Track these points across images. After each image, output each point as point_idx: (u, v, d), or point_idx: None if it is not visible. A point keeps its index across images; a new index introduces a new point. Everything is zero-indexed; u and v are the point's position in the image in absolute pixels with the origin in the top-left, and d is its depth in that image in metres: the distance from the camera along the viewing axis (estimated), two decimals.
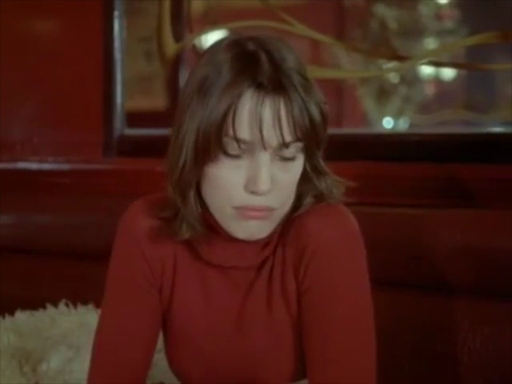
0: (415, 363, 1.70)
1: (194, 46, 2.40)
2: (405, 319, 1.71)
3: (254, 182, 1.18)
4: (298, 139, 1.18)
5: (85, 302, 2.11)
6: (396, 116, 4.49)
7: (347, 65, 3.90)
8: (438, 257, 1.67)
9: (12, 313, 2.13)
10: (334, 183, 1.28)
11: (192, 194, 1.24)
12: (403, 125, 4.48)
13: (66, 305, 2.12)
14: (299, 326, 1.27)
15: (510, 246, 1.61)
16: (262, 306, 1.29)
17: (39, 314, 2.11)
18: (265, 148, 1.17)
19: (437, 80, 4.62)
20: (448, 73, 4.54)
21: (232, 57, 1.18)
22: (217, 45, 1.23)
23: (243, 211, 1.20)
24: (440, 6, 4.47)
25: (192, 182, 1.22)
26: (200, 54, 1.27)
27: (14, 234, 2.37)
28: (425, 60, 2.28)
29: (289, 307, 1.28)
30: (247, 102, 1.16)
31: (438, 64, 2.42)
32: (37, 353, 1.88)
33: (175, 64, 2.36)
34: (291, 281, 1.27)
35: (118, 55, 2.42)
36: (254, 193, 1.18)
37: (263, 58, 1.18)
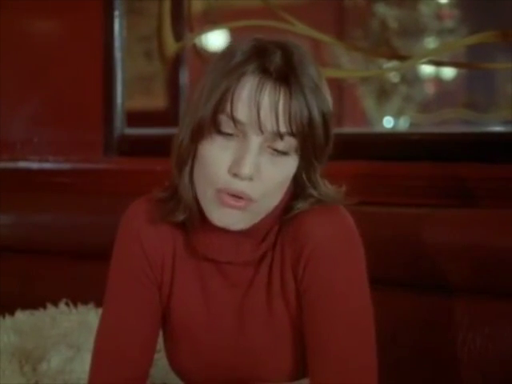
0: (415, 363, 1.70)
1: (194, 46, 2.40)
2: (405, 319, 1.71)
3: (238, 164, 1.19)
4: (292, 134, 1.19)
5: (85, 302, 2.10)
6: (396, 115, 4.50)
7: (347, 64, 3.90)
8: (437, 257, 1.67)
9: (12, 312, 2.12)
10: (330, 191, 1.29)
11: (187, 171, 1.25)
12: (403, 124, 4.48)
13: (67, 304, 2.12)
14: (299, 324, 1.28)
15: (510, 246, 1.61)
16: (262, 303, 1.29)
17: (39, 313, 2.11)
18: (261, 131, 1.18)
19: (437, 79, 4.62)
20: (448, 72, 4.54)
21: (249, 46, 1.21)
22: (227, 47, 1.26)
23: (222, 196, 1.21)
24: (440, 6, 4.47)
25: (187, 159, 1.24)
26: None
27: (13, 234, 2.37)
28: (425, 59, 2.28)
29: (288, 305, 1.28)
30: (248, 84, 1.19)
31: (438, 63, 2.42)
32: (37, 352, 1.88)
33: (175, 64, 2.36)
34: (290, 280, 1.27)
35: (118, 55, 2.42)
36: (236, 175, 1.19)
37: (278, 52, 1.20)
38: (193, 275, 1.32)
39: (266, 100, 1.18)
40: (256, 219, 1.24)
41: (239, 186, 1.19)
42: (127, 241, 1.32)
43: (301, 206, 1.27)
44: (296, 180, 1.26)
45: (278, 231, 1.28)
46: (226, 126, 1.19)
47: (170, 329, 1.35)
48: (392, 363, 1.67)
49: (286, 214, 1.27)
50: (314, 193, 1.27)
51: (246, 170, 1.18)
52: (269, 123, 1.18)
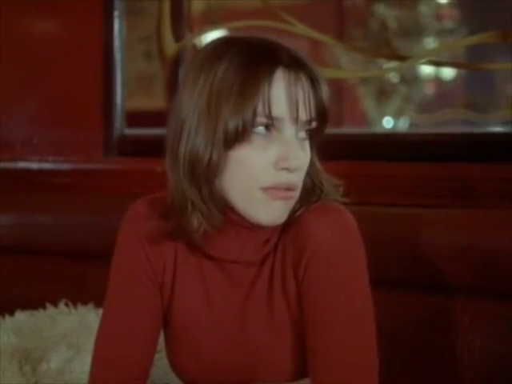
0: (415, 363, 1.70)
1: (194, 46, 2.40)
2: (404, 319, 1.71)
3: (287, 158, 1.20)
4: (314, 119, 1.23)
5: (85, 302, 2.10)
6: (396, 116, 4.50)
7: (347, 64, 3.90)
8: (437, 257, 1.67)
9: (12, 313, 2.12)
10: (328, 181, 1.30)
11: (218, 181, 1.23)
12: (403, 124, 4.48)
13: (66, 305, 2.12)
14: (299, 324, 1.27)
15: (510, 246, 1.61)
16: (263, 304, 1.29)
17: (39, 313, 2.11)
18: (296, 123, 1.20)
19: (437, 80, 4.62)
20: (448, 72, 4.54)
21: (254, 41, 1.22)
22: (215, 43, 1.25)
23: (272, 191, 1.21)
24: (440, 6, 4.48)
25: (219, 170, 1.22)
26: (194, 58, 1.28)
27: (13, 234, 2.37)
28: (425, 60, 2.28)
29: (289, 306, 1.28)
30: (279, 79, 1.19)
31: (437, 64, 2.42)
32: (37, 352, 1.88)
33: (175, 64, 2.36)
34: (291, 280, 1.27)
35: (117, 55, 2.42)
36: (285, 169, 1.20)
37: (283, 46, 1.22)
38: (194, 275, 1.32)
39: (300, 92, 1.20)
40: (290, 210, 1.25)
41: (289, 178, 1.21)
42: (128, 242, 1.32)
43: (301, 205, 1.27)
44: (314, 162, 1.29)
45: (281, 231, 1.28)
46: (262, 124, 1.20)
47: (172, 329, 1.35)
48: (392, 363, 1.67)
49: (289, 214, 1.27)
50: (315, 179, 1.28)
51: (296, 162, 1.20)
52: (304, 114, 1.21)
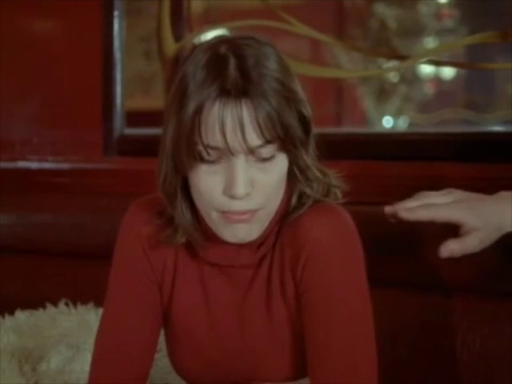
0: (415, 363, 1.70)
1: (193, 46, 2.40)
2: (404, 319, 1.71)
3: (230, 187, 1.18)
4: (267, 142, 1.17)
5: (85, 302, 2.10)
6: (396, 115, 4.50)
7: (347, 64, 3.90)
8: (437, 256, 1.67)
9: (12, 312, 2.12)
10: (325, 181, 1.28)
11: (179, 200, 1.25)
12: (403, 124, 4.48)
13: (66, 304, 2.12)
14: (298, 324, 1.28)
15: (510, 246, 1.61)
16: (262, 304, 1.30)
17: (39, 313, 2.11)
18: (232, 154, 1.17)
19: (436, 79, 4.62)
20: (448, 72, 4.54)
21: (202, 63, 1.19)
22: (195, 49, 1.24)
23: (226, 215, 1.20)
24: (440, 6, 4.47)
25: (176, 190, 1.24)
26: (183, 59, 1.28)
27: (13, 234, 2.36)
28: (424, 59, 2.28)
29: (288, 306, 1.29)
30: (212, 109, 1.16)
31: (437, 63, 2.42)
32: (37, 352, 1.88)
33: (175, 64, 2.36)
34: (289, 280, 1.27)
35: (117, 55, 2.42)
36: (232, 197, 1.18)
37: (232, 63, 1.17)
38: (194, 276, 1.32)
39: (229, 122, 1.16)
40: (265, 225, 1.24)
41: (239, 205, 1.19)
42: (128, 241, 1.33)
43: (299, 206, 1.27)
44: (290, 176, 1.26)
45: (278, 232, 1.28)
46: (205, 154, 1.18)
47: (171, 329, 1.35)
48: (392, 363, 1.67)
49: (285, 216, 1.27)
50: (305, 183, 1.26)
51: (240, 190, 1.17)
52: (236, 144, 1.16)
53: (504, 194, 1.41)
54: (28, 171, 2.52)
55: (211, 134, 1.16)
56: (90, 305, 2.09)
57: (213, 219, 1.22)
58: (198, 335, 1.33)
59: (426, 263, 1.69)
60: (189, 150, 1.18)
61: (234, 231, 1.22)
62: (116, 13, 2.40)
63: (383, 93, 4.47)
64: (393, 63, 2.30)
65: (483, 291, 1.65)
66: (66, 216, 2.30)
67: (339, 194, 1.29)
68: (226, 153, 1.17)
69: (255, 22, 2.16)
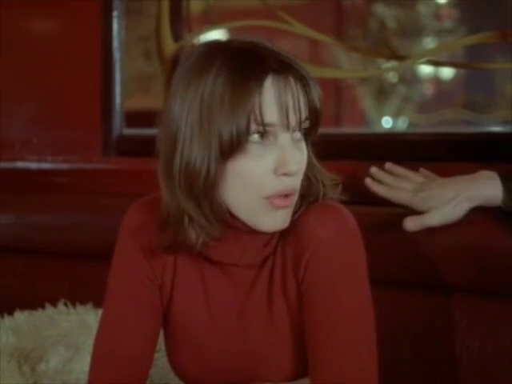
0: (414, 362, 1.70)
1: (192, 46, 2.40)
2: (403, 318, 1.71)
3: (284, 164, 1.20)
4: (306, 118, 1.23)
5: (84, 302, 2.10)
6: (395, 115, 4.49)
7: (346, 64, 3.90)
8: (437, 256, 1.67)
9: (11, 312, 2.12)
10: (327, 179, 1.30)
11: (217, 193, 1.22)
12: (402, 124, 4.48)
13: (65, 304, 2.12)
14: (299, 324, 1.28)
15: (510, 246, 1.61)
16: (263, 304, 1.29)
17: (38, 313, 2.11)
18: (288, 128, 1.20)
19: (436, 79, 4.62)
20: (447, 72, 4.54)
21: (240, 46, 1.21)
22: (200, 51, 1.24)
23: (272, 201, 1.21)
24: (439, 6, 4.47)
25: (217, 183, 1.21)
26: (182, 61, 1.28)
27: (12, 234, 2.36)
28: (424, 59, 2.28)
29: (289, 306, 1.28)
30: (270, 86, 1.19)
31: (437, 63, 2.42)
32: (36, 352, 1.88)
33: (174, 64, 2.36)
34: (291, 280, 1.27)
35: (116, 55, 2.42)
36: (285, 174, 1.20)
37: (270, 49, 1.21)
38: (195, 275, 1.32)
39: (289, 97, 1.19)
40: (292, 212, 1.26)
41: (289, 182, 1.21)
42: (128, 243, 1.33)
43: (301, 205, 1.27)
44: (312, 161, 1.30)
45: (281, 232, 1.28)
46: (256, 132, 1.19)
47: (171, 329, 1.35)
48: (392, 363, 1.67)
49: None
50: (311, 187, 1.28)
51: (294, 166, 1.20)
52: (295, 116, 1.20)
53: (483, 172, 1.62)
54: (27, 171, 2.52)
55: (271, 111, 1.19)
56: (89, 305, 2.09)
57: (254, 208, 1.22)
58: (198, 335, 1.32)
59: (425, 263, 1.69)
60: (247, 128, 1.18)
61: (275, 218, 1.23)
62: (115, 13, 2.40)
63: (382, 93, 4.47)
64: (392, 63, 2.30)
65: (483, 291, 1.65)
66: (65, 216, 2.30)
67: (339, 192, 1.30)
68: (276, 132, 1.19)
69: (255, 22, 2.16)
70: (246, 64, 1.19)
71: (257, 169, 1.20)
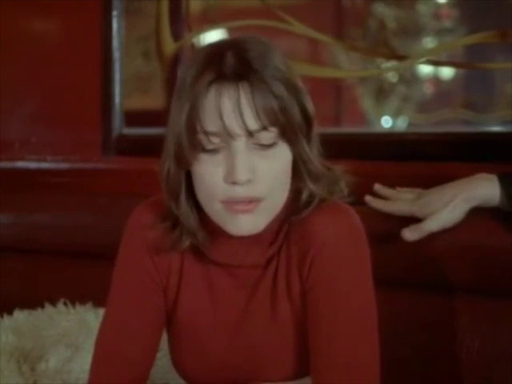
0: (414, 362, 1.70)
1: (192, 46, 2.40)
2: (404, 318, 1.71)
3: (232, 173, 1.18)
4: (265, 127, 1.18)
5: (83, 302, 2.10)
6: (395, 115, 4.49)
7: (346, 64, 3.89)
8: (437, 256, 1.67)
9: (10, 312, 2.12)
10: (330, 175, 1.28)
11: (183, 198, 1.25)
12: (402, 124, 4.48)
13: (65, 304, 2.12)
14: (303, 324, 1.28)
15: (510, 246, 1.61)
16: (267, 304, 1.30)
17: (38, 313, 2.11)
18: (232, 137, 1.17)
19: (436, 79, 4.61)
20: (447, 72, 4.53)
21: (201, 57, 1.21)
22: (197, 50, 1.26)
23: (229, 205, 1.20)
24: (439, 5, 4.46)
25: (180, 186, 1.24)
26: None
27: (11, 233, 2.36)
28: (423, 59, 2.28)
29: (293, 306, 1.29)
30: (208, 94, 1.18)
31: (436, 63, 2.42)
32: (35, 352, 1.88)
33: (174, 63, 2.36)
34: (296, 280, 1.28)
35: (116, 54, 2.42)
36: (233, 183, 1.18)
37: (229, 53, 1.19)
38: (200, 278, 1.32)
39: (226, 105, 1.17)
40: (269, 218, 1.24)
41: (241, 191, 1.19)
42: (133, 244, 1.32)
43: (307, 205, 1.26)
44: (295, 171, 1.26)
45: (286, 232, 1.28)
46: (206, 143, 1.19)
47: (175, 329, 1.35)
48: (392, 363, 1.66)
49: (293, 215, 1.27)
50: (314, 186, 1.26)
51: (240, 175, 1.18)
52: (236, 127, 1.17)
53: (480, 174, 1.63)
54: (27, 171, 2.51)
55: (210, 119, 1.17)
56: (89, 305, 2.09)
57: (217, 212, 1.22)
58: (202, 335, 1.33)
59: (424, 263, 1.69)
60: (190, 139, 1.19)
61: (238, 223, 1.21)
62: (115, 12, 2.40)
63: (382, 93, 4.47)
64: (392, 63, 2.30)
65: (483, 291, 1.65)
66: (64, 215, 2.29)
67: (345, 191, 1.29)
68: (226, 139, 1.18)
69: (254, 22, 2.16)
70: (199, 71, 1.19)
71: (208, 176, 1.20)
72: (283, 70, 1.20)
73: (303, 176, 1.26)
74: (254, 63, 1.18)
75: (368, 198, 1.72)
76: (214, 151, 1.19)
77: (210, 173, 1.20)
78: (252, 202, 1.20)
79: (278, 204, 1.24)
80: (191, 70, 1.21)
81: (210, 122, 1.18)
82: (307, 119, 1.23)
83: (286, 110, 1.19)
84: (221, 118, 1.17)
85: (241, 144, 1.18)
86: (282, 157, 1.22)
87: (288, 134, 1.20)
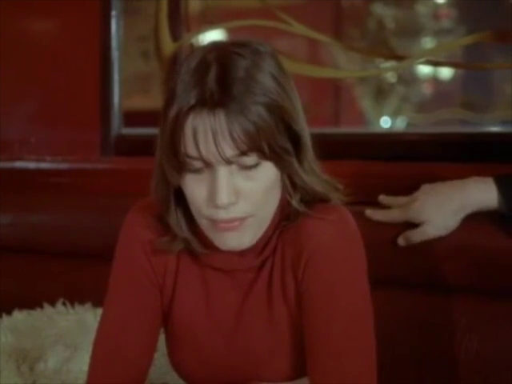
0: (413, 362, 1.70)
1: (191, 46, 2.40)
2: (403, 318, 1.71)
3: (213, 197, 1.17)
4: (243, 153, 1.16)
5: (82, 302, 2.10)
6: (393, 115, 4.49)
7: (345, 64, 3.90)
8: (436, 256, 1.67)
9: (9, 312, 2.12)
10: (326, 186, 1.27)
11: (173, 209, 1.26)
12: (401, 124, 4.48)
13: (64, 304, 2.12)
14: (299, 324, 1.28)
15: (509, 246, 1.61)
16: (262, 305, 1.30)
17: (37, 313, 2.11)
18: (211, 164, 1.17)
19: (434, 79, 4.62)
20: (445, 72, 4.54)
21: (190, 68, 1.18)
22: (193, 50, 1.24)
23: (215, 223, 1.20)
24: (438, 6, 4.47)
25: (169, 199, 1.25)
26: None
27: (11, 233, 2.36)
28: (422, 59, 2.28)
29: (289, 307, 1.29)
30: (187, 119, 1.16)
31: (435, 63, 2.42)
32: (34, 352, 1.88)
33: (172, 63, 2.36)
34: (290, 281, 1.27)
35: (115, 54, 2.42)
36: (215, 207, 1.18)
37: (212, 73, 1.16)
38: (196, 278, 1.32)
39: (201, 134, 1.15)
40: (260, 232, 1.24)
41: (224, 214, 1.19)
42: (130, 244, 1.32)
43: (299, 209, 1.26)
44: (284, 181, 1.25)
45: (280, 233, 1.28)
46: (189, 164, 1.18)
47: (172, 330, 1.35)
48: (391, 363, 1.67)
49: (286, 219, 1.27)
50: (305, 196, 1.26)
51: (221, 200, 1.17)
52: (210, 154, 1.16)
53: (473, 178, 1.62)
54: (26, 171, 2.51)
55: (189, 145, 1.17)
56: (88, 305, 2.09)
57: (205, 227, 1.23)
58: (198, 336, 1.33)
59: (424, 263, 1.69)
60: (174, 159, 1.18)
61: (224, 239, 1.21)
62: (114, 12, 2.40)
63: (381, 93, 4.47)
64: (391, 63, 2.30)
65: (482, 291, 1.65)
66: (63, 216, 2.29)
67: (341, 198, 1.29)
68: (206, 162, 1.17)
69: (253, 22, 2.16)
70: (182, 92, 1.17)
71: (194, 194, 1.20)
72: (268, 89, 1.17)
73: (290, 189, 1.25)
74: (234, 89, 1.15)
75: (368, 212, 1.72)
76: (197, 171, 1.19)
77: (194, 192, 1.20)
78: (236, 220, 1.20)
79: (267, 218, 1.24)
80: (179, 80, 1.19)
81: (189, 148, 1.17)
82: (294, 137, 1.21)
83: (266, 134, 1.16)
84: (197, 147, 1.16)
85: (222, 169, 1.17)
86: (266, 175, 1.20)
87: (271, 155, 1.18)
